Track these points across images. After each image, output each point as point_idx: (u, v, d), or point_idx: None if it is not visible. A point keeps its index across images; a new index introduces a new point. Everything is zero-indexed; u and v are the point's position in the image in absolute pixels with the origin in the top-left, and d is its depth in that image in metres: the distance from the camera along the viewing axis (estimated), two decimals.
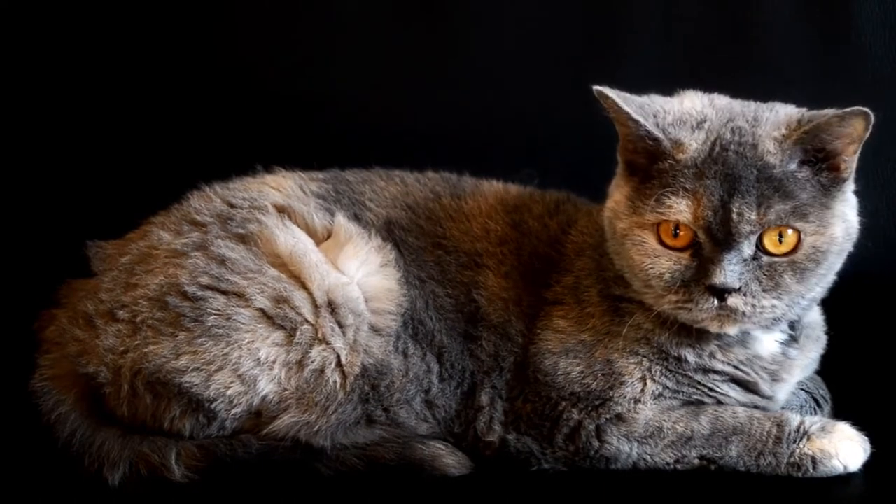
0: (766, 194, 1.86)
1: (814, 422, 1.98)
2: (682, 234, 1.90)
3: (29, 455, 2.07)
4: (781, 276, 1.88)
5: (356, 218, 2.15)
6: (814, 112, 1.92)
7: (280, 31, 2.91)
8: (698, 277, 1.88)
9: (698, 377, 2.00)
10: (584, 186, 2.24)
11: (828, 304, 2.15)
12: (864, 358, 2.43)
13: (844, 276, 2.04)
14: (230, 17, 2.91)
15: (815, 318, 2.13)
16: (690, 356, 1.99)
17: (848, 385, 2.24)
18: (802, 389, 2.14)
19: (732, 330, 1.94)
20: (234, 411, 1.99)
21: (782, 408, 2.07)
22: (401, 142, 2.76)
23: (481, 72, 2.87)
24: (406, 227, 2.16)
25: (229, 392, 1.97)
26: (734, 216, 1.85)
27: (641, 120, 1.91)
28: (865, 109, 1.85)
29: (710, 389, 2.01)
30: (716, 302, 1.87)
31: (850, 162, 1.92)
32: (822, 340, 2.14)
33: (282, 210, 2.11)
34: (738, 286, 1.86)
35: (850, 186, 1.96)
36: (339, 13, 2.90)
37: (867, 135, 1.88)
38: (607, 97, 1.91)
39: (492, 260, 2.12)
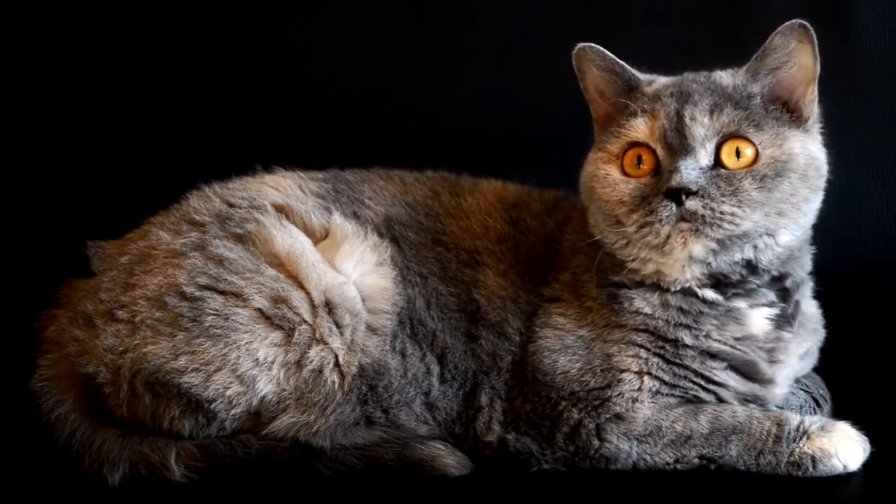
0: (719, 104, 1.95)
1: (813, 421, 1.98)
2: (644, 161, 1.98)
3: (29, 455, 2.07)
4: (741, 181, 1.92)
5: (355, 217, 2.16)
6: None
7: (280, 31, 2.92)
8: (657, 188, 1.93)
9: (696, 366, 2.00)
10: None
11: (828, 302, 2.16)
12: (864, 357, 2.42)
13: (844, 275, 2.04)
14: (230, 17, 2.92)
15: (811, 310, 2.13)
16: (687, 338, 2.00)
17: (848, 385, 2.24)
18: (802, 389, 2.14)
19: (696, 248, 1.94)
20: (233, 411, 1.99)
21: (781, 407, 2.07)
22: (401, 142, 2.77)
23: (481, 71, 2.88)
24: (405, 224, 2.16)
25: (228, 392, 1.97)
26: (687, 120, 1.93)
27: (625, 65, 2.04)
28: (802, 21, 1.94)
29: (708, 380, 2.01)
30: (674, 207, 1.90)
31: (810, 102, 2.00)
32: (820, 333, 2.15)
33: (280, 209, 2.12)
34: (694, 189, 1.90)
35: (814, 127, 2.03)
36: (340, 13, 2.91)
37: (817, 66, 1.97)
38: (592, 48, 2.03)
39: (491, 258, 2.13)
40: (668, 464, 2.00)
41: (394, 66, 2.89)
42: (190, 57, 2.90)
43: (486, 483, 2.01)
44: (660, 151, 1.95)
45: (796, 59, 1.96)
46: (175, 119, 2.89)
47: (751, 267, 2.00)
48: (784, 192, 1.93)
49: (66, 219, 2.81)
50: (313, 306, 2.01)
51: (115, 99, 2.90)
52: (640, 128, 1.98)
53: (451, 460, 2.03)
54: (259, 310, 1.99)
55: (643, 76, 2.07)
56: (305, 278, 2.02)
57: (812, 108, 2.01)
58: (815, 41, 1.94)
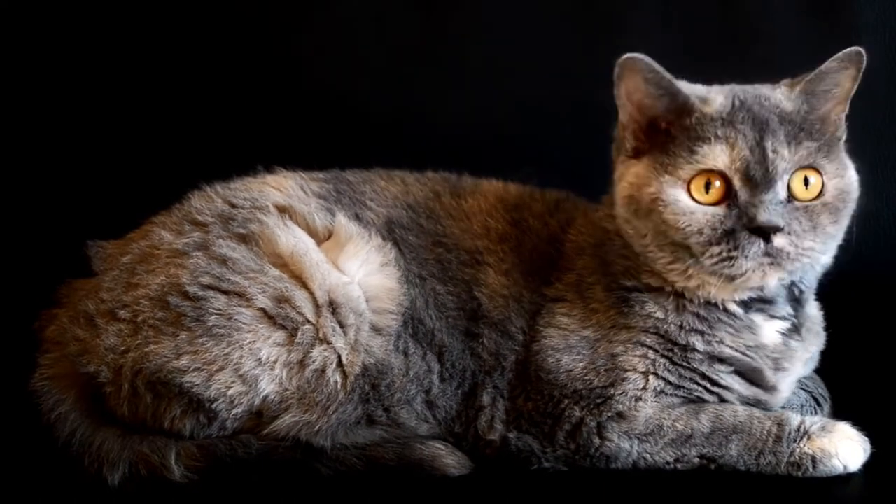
0: (793, 133, 1.92)
1: (814, 421, 1.98)
2: (714, 187, 1.93)
3: (29, 455, 2.07)
4: (819, 216, 1.93)
5: (357, 217, 2.15)
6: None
7: (280, 31, 2.92)
8: (741, 222, 1.90)
9: (703, 368, 2.00)
10: (584, 186, 2.24)
11: (828, 302, 2.16)
12: (864, 357, 2.43)
13: (844, 275, 2.04)
14: (230, 17, 2.92)
15: (814, 312, 2.14)
16: (699, 343, 2.00)
17: (848, 385, 2.24)
18: (802, 389, 2.14)
19: (774, 279, 1.96)
20: (234, 411, 1.99)
21: (782, 407, 2.08)
22: (401, 142, 2.77)
23: (482, 71, 2.88)
24: (406, 225, 2.16)
25: (230, 392, 1.97)
26: (770, 153, 1.90)
27: (673, 79, 1.95)
28: (857, 48, 1.94)
29: (714, 382, 2.01)
30: (762, 244, 1.89)
31: (842, 120, 2.00)
32: (822, 336, 2.15)
33: (283, 210, 2.11)
34: (782, 224, 1.89)
35: (843, 146, 2.02)
36: (340, 13, 2.91)
37: (856, 83, 1.97)
38: (640, 60, 1.94)
39: (492, 257, 2.12)
40: (668, 463, 2.00)
41: (394, 65, 2.89)
42: (190, 57, 2.90)
43: (486, 483, 2.01)
44: (736, 182, 1.91)
45: (843, 83, 1.96)
46: (176, 119, 2.89)
47: (793, 288, 2.02)
48: (846, 221, 1.97)
49: (66, 219, 2.80)
50: (317, 306, 2.01)
51: (115, 99, 2.90)
52: (719, 157, 1.92)
53: (451, 460, 2.03)
54: (262, 309, 1.98)
55: (691, 90, 1.99)
56: (309, 278, 2.02)
57: (844, 128, 2.01)
58: (864, 66, 1.95)
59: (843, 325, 2.18)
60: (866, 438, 1.98)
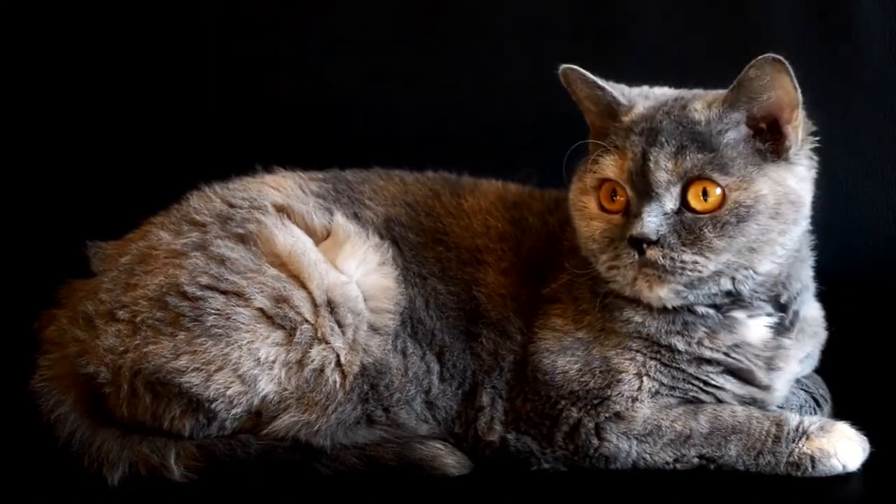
0: (685, 145, 1.91)
1: (813, 421, 1.98)
2: (618, 196, 1.96)
3: (29, 455, 2.08)
4: (702, 230, 1.90)
5: (355, 217, 2.16)
6: None
7: (280, 31, 2.92)
8: (622, 233, 1.93)
9: (692, 370, 2.00)
10: None
11: (828, 302, 2.16)
12: (864, 358, 2.42)
13: (844, 275, 2.04)
14: (230, 17, 2.92)
15: (812, 313, 2.13)
16: (680, 344, 1.99)
17: (848, 385, 2.24)
18: (802, 389, 2.14)
19: (662, 292, 1.94)
20: (234, 411, 1.99)
21: (781, 407, 2.07)
22: (401, 142, 2.77)
23: (481, 71, 2.88)
24: (406, 224, 2.16)
25: (229, 392, 1.97)
26: (651, 164, 1.91)
27: (606, 86, 2.00)
28: (775, 55, 1.88)
29: (706, 383, 2.01)
30: (636, 255, 1.91)
31: (793, 130, 1.94)
32: (821, 336, 2.15)
33: (281, 210, 2.11)
34: (654, 238, 1.89)
35: (799, 158, 1.97)
36: (340, 13, 2.91)
37: (798, 94, 1.91)
38: (574, 70, 2.00)
39: (492, 256, 2.13)
40: (667, 463, 2.00)
41: (394, 65, 2.89)
42: (190, 57, 2.90)
43: (486, 483, 2.01)
44: (629, 192, 1.94)
45: (774, 90, 1.91)
46: (175, 119, 2.90)
47: (732, 295, 1.99)
48: (751, 234, 1.91)
49: (66, 219, 2.81)
50: (315, 306, 2.01)
51: (115, 99, 2.90)
52: (609, 167, 1.96)
53: (450, 460, 2.03)
54: (261, 309, 1.98)
55: (626, 97, 2.02)
56: (307, 278, 2.02)
57: (795, 137, 1.95)
58: (791, 71, 1.89)
59: (842, 325, 2.18)
60: (865, 438, 1.97)
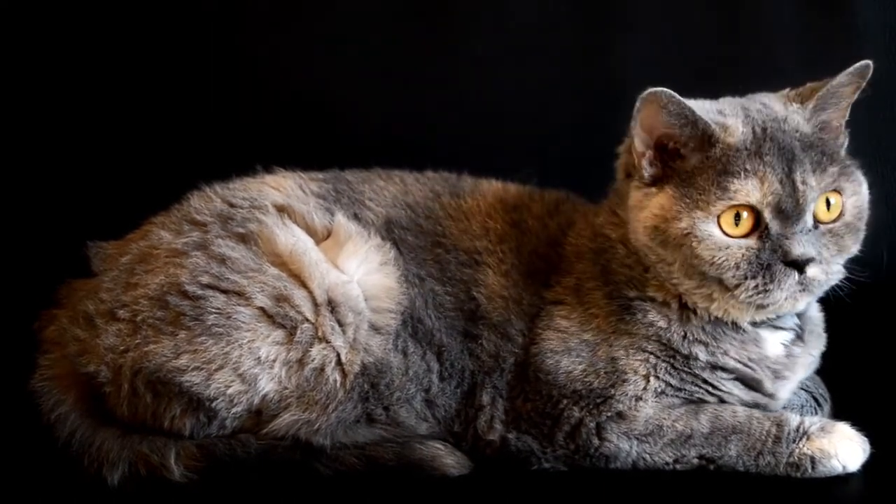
0: (817, 160, 1.92)
1: (813, 422, 1.98)
2: (743, 220, 1.92)
3: (29, 455, 2.07)
4: (843, 238, 1.95)
5: (356, 217, 2.15)
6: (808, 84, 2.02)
7: (280, 31, 2.92)
8: (776, 256, 1.91)
9: (705, 374, 2.01)
10: (584, 186, 2.24)
11: (827, 303, 2.15)
12: (864, 358, 2.43)
13: (844, 275, 2.03)
14: (230, 16, 2.92)
15: (816, 313, 2.14)
16: (702, 354, 2.00)
17: (848, 385, 2.24)
18: (803, 389, 2.14)
19: (803, 304, 1.99)
20: (234, 410, 1.99)
21: (784, 407, 2.08)
22: (401, 142, 2.76)
23: (481, 72, 2.87)
24: (405, 225, 2.16)
25: (230, 391, 1.97)
26: (799, 185, 1.90)
27: (697, 110, 1.93)
28: (867, 61, 1.95)
29: (714, 387, 2.02)
30: (797, 276, 1.91)
31: (842, 127, 2.01)
32: (823, 338, 2.15)
33: (282, 209, 2.11)
34: (815, 255, 1.91)
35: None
36: (339, 13, 2.91)
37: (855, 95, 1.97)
38: (667, 94, 1.90)
39: (492, 258, 2.12)
40: (667, 463, 2.00)
41: (393, 65, 2.89)
42: (189, 57, 2.90)
43: (486, 483, 2.01)
44: (767, 214, 1.90)
45: (848, 95, 1.97)
46: (175, 119, 2.89)
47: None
48: (863, 234, 1.99)
49: (66, 219, 2.81)
50: (316, 305, 2.01)
51: (114, 99, 2.90)
52: (751, 192, 1.89)
53: (450, 460, 2.03)
54: (261, 308, 1.98)
55: (710, 118, 1.95)
56: (308, 277, 2.02)
57: (845, 135, 2.02)
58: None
59: (842, 326, 2.18)
60: (865, 439, 1.98)
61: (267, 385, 1.97)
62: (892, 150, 2.69)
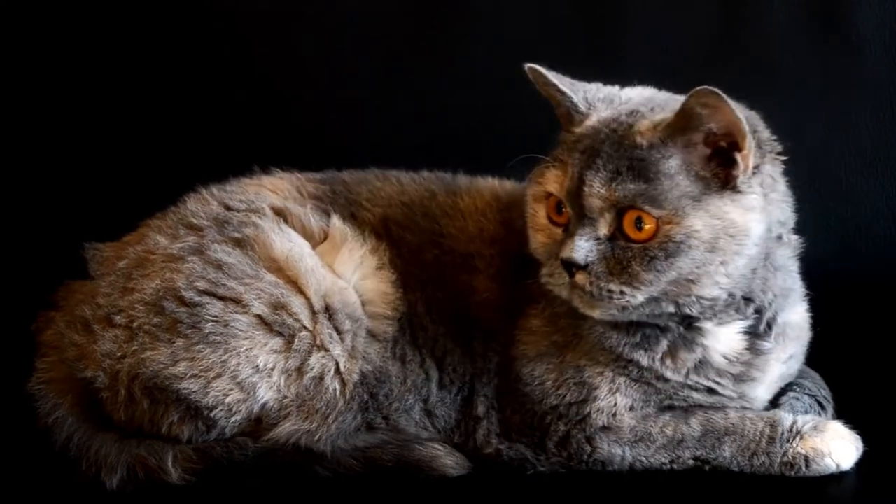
0: (621, 171, 1.84)
1: (806, 421, 1.98)
2: (564, 209, 1.91)
3: (26, 459, 2.07)
4: (630, 261, 1.84)
5: (353, 218, 2.14)
6: None
7: (279, 31, 2.91)
8: (558, 251, 1.90)
9: (660, 385, 1.98)
10: None
11: (827, 302, 2.15)
12: (863, 357, 2.42)
13: (844, 275, 2.03)
14: (229, 17, 2.91)
15: (795, 318, 2.07)
16: (643, 360, 1.96)
17: (847, 385, 2.23)
18: (806, 394, 2.12)
19: (596, 313, 1.91)
20: (233, 419, 1.98)
21: (778, 406, 2.07)
22: (399, 142, 2.77)
23: (481, 72, 2.87)
24: (403, 224, 2.15)
25: (228, 399, 1.96)
26: (585, 188, 1.85)
27: (566, 89, 1.95)
28: (711, 88, 1.77)
29: (676, 393, 1.99)
30: (567, 277, 1.88)
31: (742, 159, 1.84)
32: (804, 337, 2.10)
33: (279, 212, 2.10)
34: (582, 263, 1.85)
35: (750, 186, 1.87)
36: (339, 13, 2.91)
37: (743, 124, 1.81)
38: (535, 70, 1.95)
39: (482, 262, 2.10)
40: (663, 465, 2.00)
41: (391, 65, 2.88)
42: (188, 58, 2.89)
43: (486, 483, 2.01)
44: (568, 209, 1.89)
45: (714, 121, 1.82)
46: (172, 120, 2.89)
47: (682, 315, 1.93)
48: (683, 268, 1.83)
49: (66, 219, 2.81)
50: (313, 312, 2.00)
51: (114, 100, 2.89)
52: (552, 181, 1.91)
53: (449, 461, 2.03)
54: (259, 316, 1.97)
55: (587, 102, 1.95)
56: (305, 284, 2.01)
57: (746, 166, 1.84)
58: (729, 102, 1.78)
59: (842, 325, 2.18)
60: (858, 437, 1.98)
61: (266, 394, 1.96)
62: (892, 150, 2.69)
